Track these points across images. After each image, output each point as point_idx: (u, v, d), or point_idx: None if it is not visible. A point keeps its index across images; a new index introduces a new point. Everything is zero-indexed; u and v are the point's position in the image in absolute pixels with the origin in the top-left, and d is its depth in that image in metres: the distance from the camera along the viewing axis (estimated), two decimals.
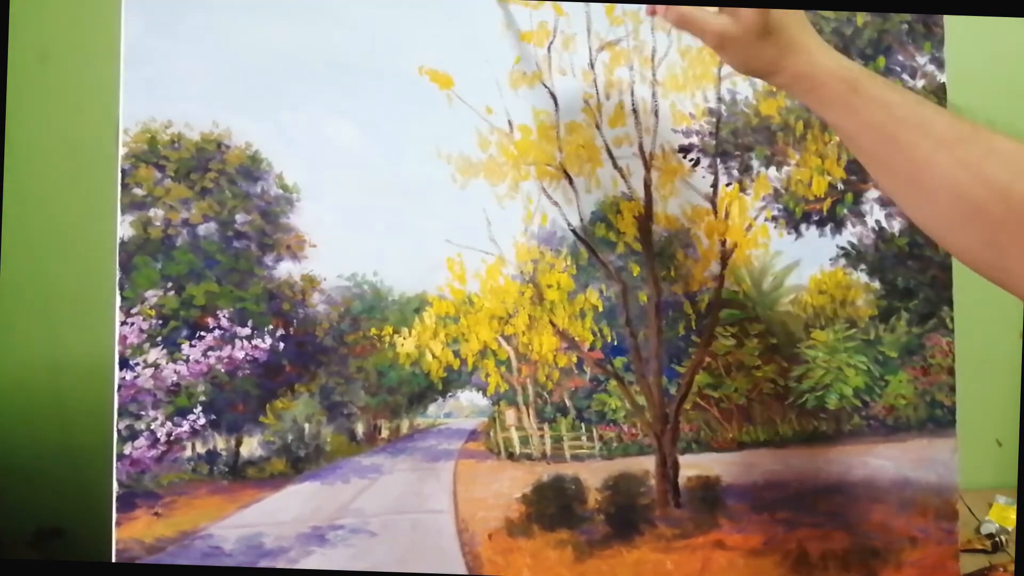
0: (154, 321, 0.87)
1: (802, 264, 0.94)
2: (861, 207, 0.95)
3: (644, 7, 0.91)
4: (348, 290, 0.90)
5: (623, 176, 0.93)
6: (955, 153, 0.60)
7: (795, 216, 0.95)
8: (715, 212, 0.94)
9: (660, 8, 0.74)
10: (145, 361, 0.87)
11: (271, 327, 0.89)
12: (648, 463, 0.92)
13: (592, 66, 0.93)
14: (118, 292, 0.86)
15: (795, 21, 0.68)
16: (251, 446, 0.89)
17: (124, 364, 0.86)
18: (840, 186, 0.95)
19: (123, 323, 0.86)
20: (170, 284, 0.88)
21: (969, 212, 0.59)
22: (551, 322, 0.92)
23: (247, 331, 0.89)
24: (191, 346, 0.88)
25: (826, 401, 0.93)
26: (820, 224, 0.95)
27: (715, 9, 0.70)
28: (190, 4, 0.88)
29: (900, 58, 0.95)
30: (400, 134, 0.90)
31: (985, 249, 0.60)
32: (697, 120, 0.94)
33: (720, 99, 0.94)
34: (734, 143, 0.94)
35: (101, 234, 0.93)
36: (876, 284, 0.95)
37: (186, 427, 0.87)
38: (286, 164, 0.90)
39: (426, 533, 0.88)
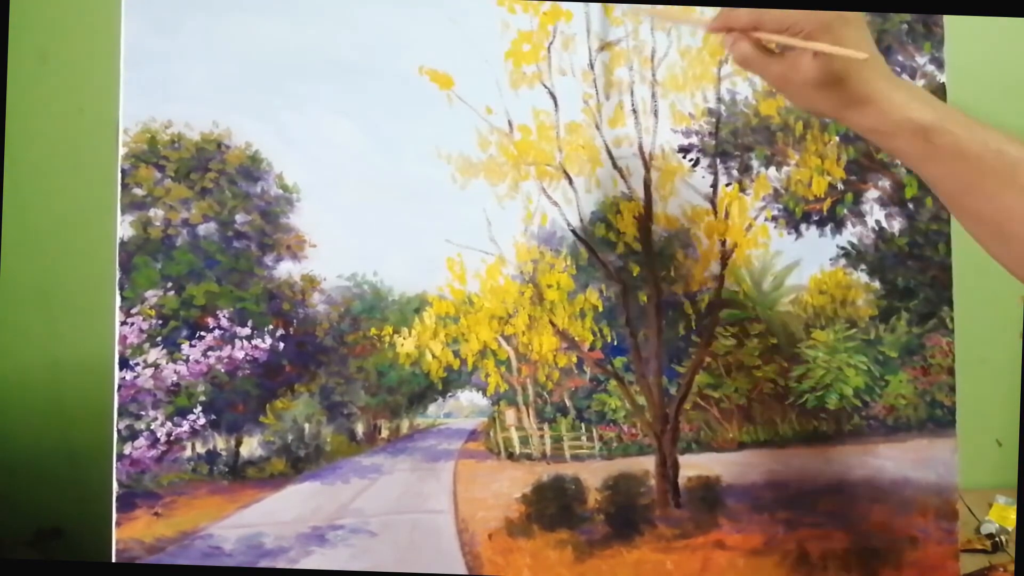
0: (154, 321, 0.87)
1: (802, 264, 0.94)
2: (861, 207, 0.95)
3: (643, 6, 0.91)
4: (348, 290, 0.90)
5: (623, 176, 0.93)
6: None
7: (795, 216, 0.95)
8: (715, 212, 0.94)
9: (728, 36, 0.69)
10: (145, 361, 0.87)
11: (271, 327, 0.89)
12: (648, 463, 0.92)
13: (592, 66, 0.93)
14: (118, 292, 0.86)
15: (861, 72, 0.63)
16: (251, 446, 0.89)
17: (124, 364, 0.86)
18: (840, 186, 0.95)
19: (123, 323, 0.86)
20: (170, 284, 0.88)
21: None
22: (551, 322, 0.92)
23: (247, 331, 0.89)
24: (191, 346, 0.88)
25: (826, 401, 0.93)
26: (820, 224, 0.95)
27: (777, 48, 0.66)
28: (190, 4, 0.88)
29: (900, 58, 0.95)
30: (400, 134, 0.90)
31: None
32: (697, 120, 0.94)
33: (720, 99, 0.94)
34: (734, 143, 0.94)
35: (101, 234, 0.93)
36: (876, 284, 0.95)
37: (186, 427, 0.87)
38: (286, 164, 0.90)
39: (426, 533, 0.88)
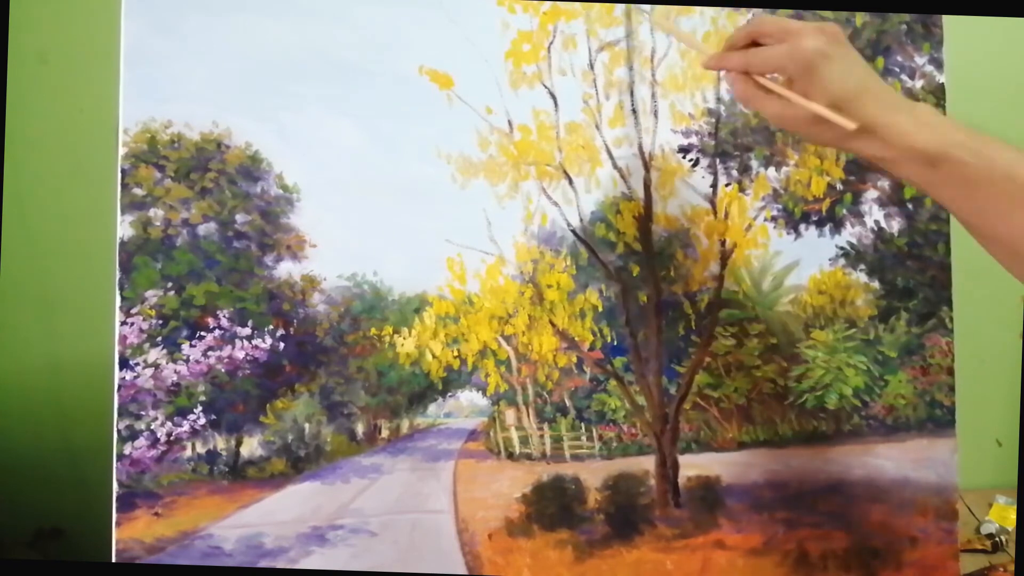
0: (154, 321, 0.87)
1: (801, 264, 0.94)
2: (860, 207, 0.95)
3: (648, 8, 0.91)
4: (348, 290, 0.90)
5: (623, 176, 0.93)
6: None
7: (794, 216, 0.95)
8: (715, 212, 0.94)
9: (728, 75, 0.70)
10: (145, 361, 0.87)
11: (271, 327, 0.89)
12: (648, 463, 0.92)
13: (592, 66, 0.93)
14: (118, 292, 0.86)
15: (860, 101, 0.63)
16: (251, 446, 0.89)
17: (124, 364, 0.86)
18: (839, 186, 0.95)
19: (123, 323, 0.86)
20: (170, 284, 0.88)
21: None
22: (551, 322, 0.92)
23: (247, 331, 0.89)
24: (191, 346, 0.88)
25: (826, 401, 0.94)
26: (819, 224, 0.95)
27: (771, 86, 0.66)
28: (190, 4, 0.88)
29: (899, 58, 0.95)
30: (400, 134, 0.90)
31: None
32: (696, 120, 0.94)
33: (719, 99, 0.94)
34: (733, 143, 0.94)
35: (101, 234, 0.93)
36: (876, 284, 0.95)
37: (186, 427, 0.87)
38: (286, 164, 0.90)
39: (426, 533, 0.88)
